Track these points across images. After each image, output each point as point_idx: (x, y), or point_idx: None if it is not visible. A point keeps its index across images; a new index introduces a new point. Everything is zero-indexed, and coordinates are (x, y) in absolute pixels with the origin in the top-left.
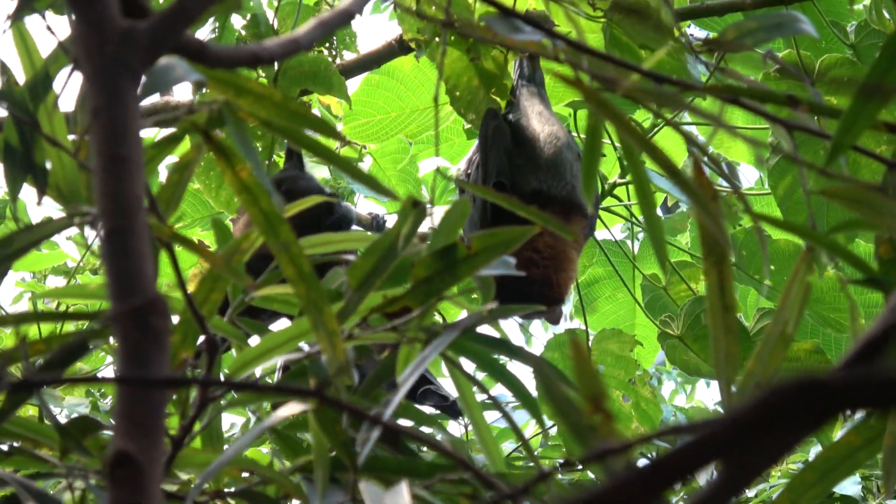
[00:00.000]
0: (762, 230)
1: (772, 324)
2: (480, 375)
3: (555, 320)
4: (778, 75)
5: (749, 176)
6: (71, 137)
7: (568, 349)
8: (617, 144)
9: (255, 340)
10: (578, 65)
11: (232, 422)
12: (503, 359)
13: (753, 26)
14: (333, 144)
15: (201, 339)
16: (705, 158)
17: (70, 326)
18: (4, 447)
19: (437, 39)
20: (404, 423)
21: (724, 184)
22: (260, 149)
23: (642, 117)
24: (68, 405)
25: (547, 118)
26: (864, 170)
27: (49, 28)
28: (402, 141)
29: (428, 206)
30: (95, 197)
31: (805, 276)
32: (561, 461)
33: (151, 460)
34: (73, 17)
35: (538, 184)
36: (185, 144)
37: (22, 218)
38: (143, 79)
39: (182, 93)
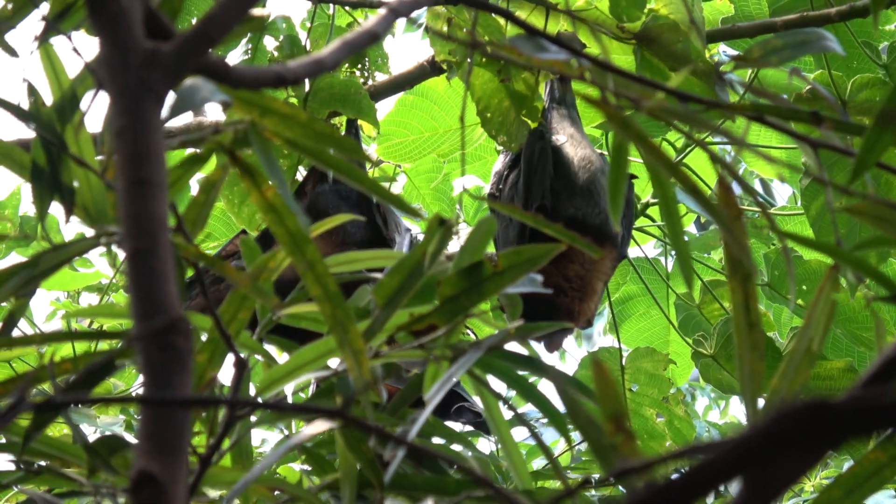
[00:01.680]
0: (787, 248)
1: (797, 341)
2: (511, 393)
3: (555, 347)
4: (809, 96)
5: (784, 194)
6: (98, 158)
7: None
8: None
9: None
10: (604, 85)
11: (263, 437)
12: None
13: (779, 44)
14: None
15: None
16: (731, 176)
17: (105, 345)
18: (33, 466)
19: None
20: (435, 440)
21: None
22: (285, 168)
23: (675, 136)
24: (103, 424)
25: (579, 141)
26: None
27: (75, 49)
28: (436, 160)
29: (461, 224)
30: (119, 218)
31: (830, 293)
32: (580, 478)
33: (174, 480)
34: (98, 38)
35: (574, 210)
36: (213, 163)
37: (53, 237)
38: (171, 99)
39: (215, 113)
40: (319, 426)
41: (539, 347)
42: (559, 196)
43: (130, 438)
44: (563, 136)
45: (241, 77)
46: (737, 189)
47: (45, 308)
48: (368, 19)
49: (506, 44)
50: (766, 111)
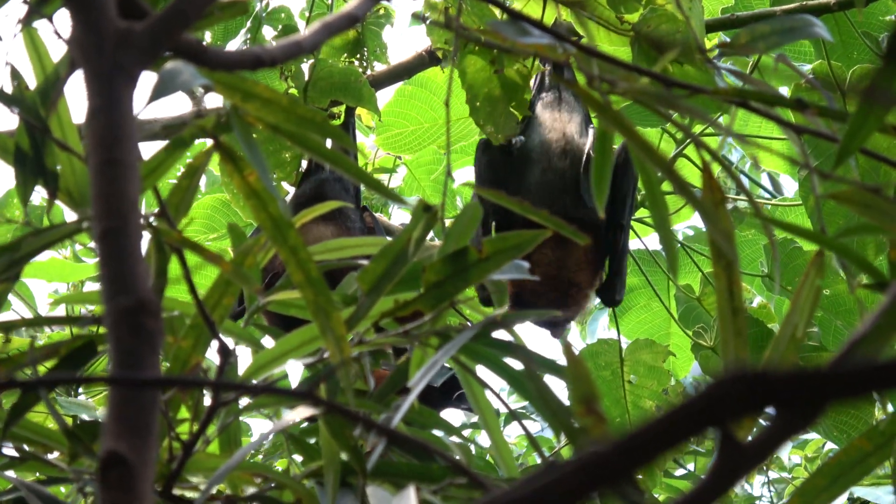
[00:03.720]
0: (773, 235)
1: (782, 327)
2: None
3: (558, 334)
4: (808, 87)
5: (793, 187)
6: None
7: (599, 359)
8: None
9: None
10: (588, 69)
11: (256, 427)
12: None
13: (766, 30)
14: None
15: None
16: (721, 166)
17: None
18: (15, 452)
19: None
20: (436, 430)
21: (762, 193)
22: (289, 158)
23: (675, 128)
24: (101, 415)
25: (554, 127)
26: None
27: (58, 33)
28: (436, 151)
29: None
30: (91, 199)
31: (815, 279)
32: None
33: (143, 461)
34: (72, 19)
35: (554, 209)
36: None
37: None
38: (151, 81)
39: (215, 102)
40: (302, 412)
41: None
42: (531, 198)
43: None
44: (541, 125)
45: (219, 58)
46: (745, 181)
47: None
48: (348, 2)
49: (489, 28)
50: (751, 97)
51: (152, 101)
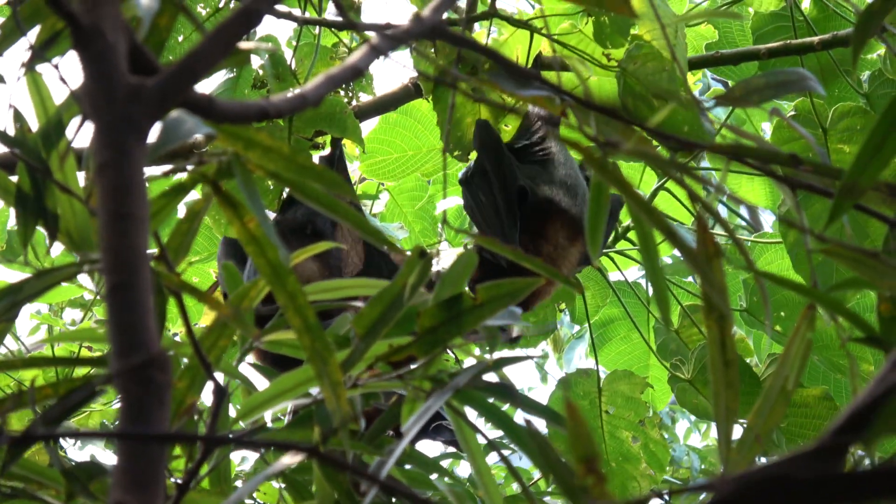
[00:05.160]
0: (763, 284)
1: (772, 378)
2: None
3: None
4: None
5: (770, 219)
6: (82, 185)
7: (577, 388)
8: None
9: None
10: (585, 122)
11: (244, 456)
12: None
13: (761, 83)
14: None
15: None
16: (709, 214)
17: (87, 370)
18: (9, 490)
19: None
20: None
21: (740, 222)
22: (272, 186)
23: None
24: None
25: (564, 153)
26: (874, 225)
27: (62, 78)
28: (419, 179)
29: (443, 244)
30: (100, 252)
31: (806, 332)
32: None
33: None
34: (84, 72)
35: (551, 193)
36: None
37: (41, 256)
38: (157, 132)
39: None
40: (297, 456)
41: (526, 368)
42: (535, 180)
43: (111, 458)
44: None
45: (225, 111)
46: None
47: (27, 320)
48: (352, 55)
49: (487, 80)
50: (746, 153)
51: (158, 152)
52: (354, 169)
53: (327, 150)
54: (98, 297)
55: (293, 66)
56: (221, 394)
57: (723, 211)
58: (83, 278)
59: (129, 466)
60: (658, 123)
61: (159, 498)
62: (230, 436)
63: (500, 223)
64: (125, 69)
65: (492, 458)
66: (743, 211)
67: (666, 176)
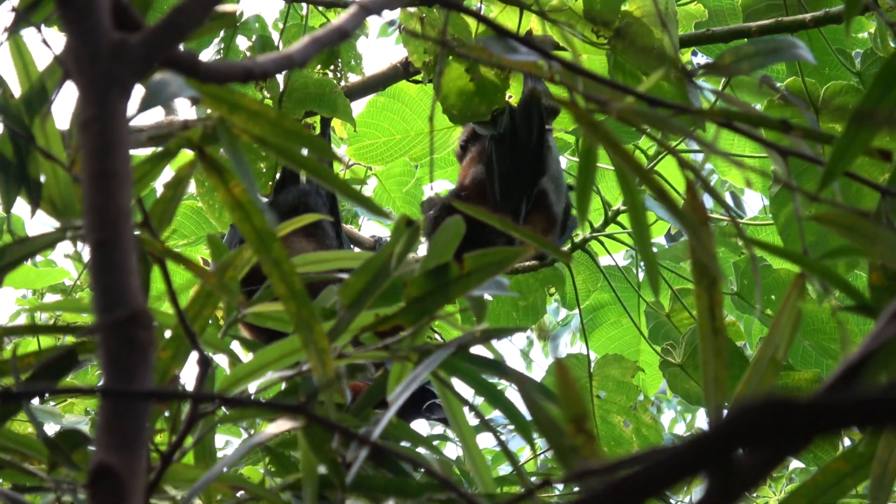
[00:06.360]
0: (755, 256)
1: (762, 348)
2: (480, 400)
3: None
4: (782, 103)
5: (755, 207)
6: (66, 151)
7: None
8: None
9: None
10: (573, 87)
11: (228, 440)
12: (503, 382)
13: (751, 51)
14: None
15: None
16: (700, 183)
17: (71, 340)
18: None
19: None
20: (404, 444)
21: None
22: (265, 169)
23: (647, 144)
24: (68, 423)
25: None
26: (867, 198)
27: (45, 41)
28: (407, 163)
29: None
30: (83, 210)
31: (796, 301)
32: (539, 481)
33: (133, 473)
34: (66, 30)
35: (545, 187)
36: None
37: (18, 232)
38: (139, 93)
39: (186, 113)
40: (282, 425)
41: (511, 356)
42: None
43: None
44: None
45: (210, 71)
46: (708, 202)
47: (11, 308)
48: (339, 16)
49: (476, 44)
50: (736, 118)
51: (142, 112)
52: (342, 153)
53: (317, 133)
54: (79, 283)
55: (281, 48)
56: (206, 363)
57: (708, 202)
58: (65, 263)
59: (113, 425)
60: (647, 90)
61: (143, 459)
62: (216, 395)
63: (517, 193)
64: (109, 26)
65: (482, 443)
66: (727, 198)
67: (658, 143)
